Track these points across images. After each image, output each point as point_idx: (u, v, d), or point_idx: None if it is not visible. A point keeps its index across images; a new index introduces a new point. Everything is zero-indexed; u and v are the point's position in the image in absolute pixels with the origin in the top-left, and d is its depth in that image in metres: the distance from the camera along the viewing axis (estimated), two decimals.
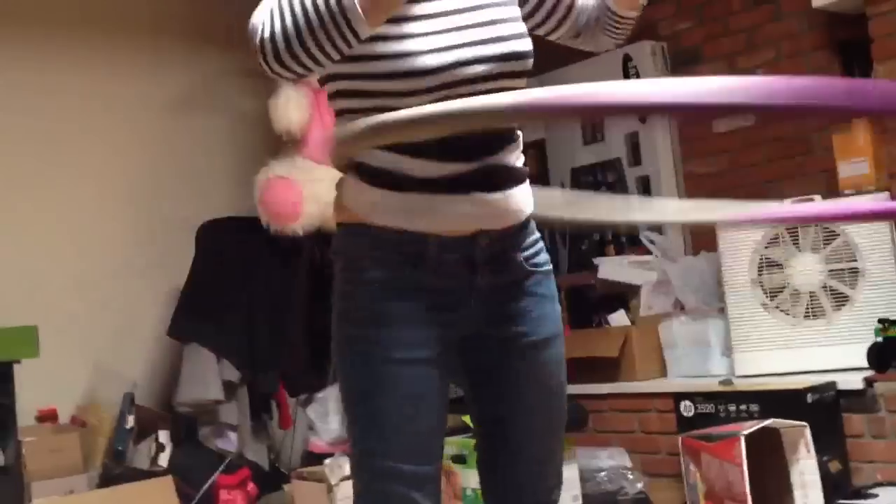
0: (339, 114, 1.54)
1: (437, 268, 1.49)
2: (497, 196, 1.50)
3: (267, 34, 1.38)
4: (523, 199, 1.56)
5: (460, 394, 1.68)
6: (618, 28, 1.67)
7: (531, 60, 1.55)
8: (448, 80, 1.45)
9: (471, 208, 1.48)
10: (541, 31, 1.67)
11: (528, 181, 1.59)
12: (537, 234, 1.62)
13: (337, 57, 1.40)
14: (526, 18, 1.61)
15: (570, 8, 1.65)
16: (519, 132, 1.59)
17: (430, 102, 1.42)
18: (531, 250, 1.59)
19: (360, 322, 1.49)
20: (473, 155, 1.48)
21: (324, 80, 1.54)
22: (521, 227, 1.57)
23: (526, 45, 1.54)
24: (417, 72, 1.44)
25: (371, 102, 1.46)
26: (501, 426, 1.60)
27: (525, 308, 1.56)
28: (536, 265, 1.59)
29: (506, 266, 1.54)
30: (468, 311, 1.52)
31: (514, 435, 1.60)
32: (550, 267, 1.62)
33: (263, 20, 1.39)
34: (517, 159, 1.57)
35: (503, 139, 1.53)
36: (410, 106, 1.41)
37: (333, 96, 1.54)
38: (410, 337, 1.47)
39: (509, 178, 1.53)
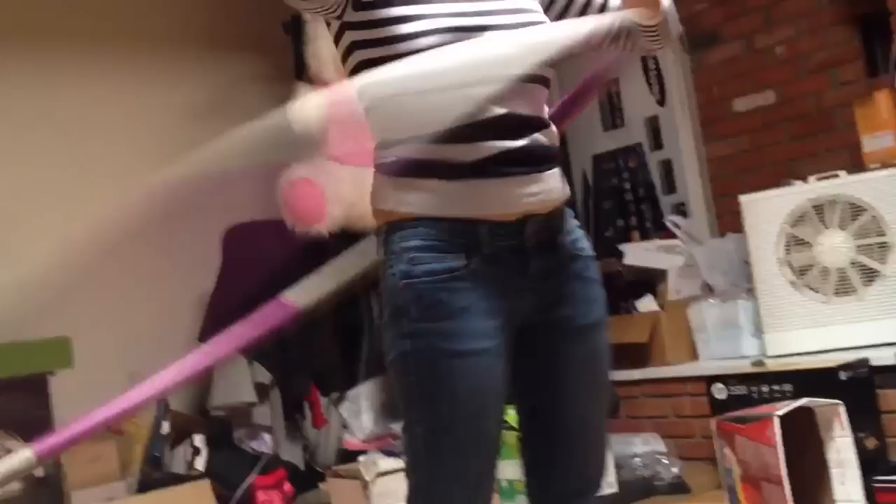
0: (357, 69, 1.53)
1: (491, 256, 1.48)
2: (541, 174, 1.51)
3: None
4: (562, 181, 1.58)
5: None
6: (646, 37, 1.64)
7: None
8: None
9: (519, 187, 1.48)
10: None
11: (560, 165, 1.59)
12: (577, 221, 1.62)
13: None
14: (545, 11, 1.62)
15: (584, 11, 1.64)
16: (545, 109, 1.59)
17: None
18: (574, 234, 1.59)
19: (419, 316, 1.46)
20: (520, 133, 1.48)
21: (352, 73, 1.54)
22: (564, 212, 1.58)
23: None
24: (441, 30, 1.44)
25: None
26: (549, 412, 1.59)
27: (574, 291, 1.56)
28: (581, 249, 1.59)
29: (554, 251, 1.55)
30: (522, 298, 1.52)
31: (562, 421, 1.58)
32: (592, 252, 1.62)
33: None
34: (554, 140, 1.58)
35: (543, 119, 1.54)
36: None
37: (356, 70, 1.53)
38: (471, 328, 1.46)
39: (550, 156, 1.54)
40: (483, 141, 1.46)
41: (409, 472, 1.54)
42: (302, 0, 1.45)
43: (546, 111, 1.58)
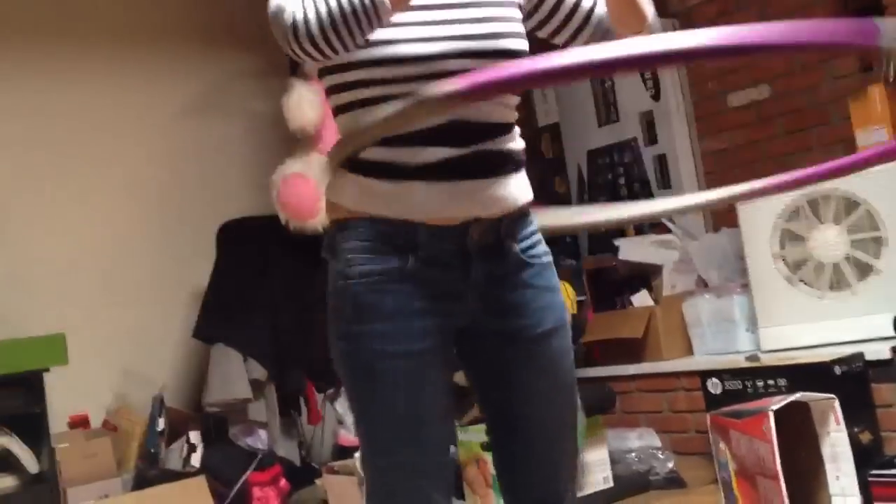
0: (335, 111, 1.55)
1: (430, 258, 1.48)
2: (490, 182, 1.50)
3: (301, 17, 1.39)
4: (518, 186, 1.55)
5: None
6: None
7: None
8: (431, 71, 1.44)
9: (463, 194, 1.47)
10: (542, 33, 1.65)
11: (524, 169, 1.58)
12: (535, 226, 1.60)
13: (361, 42, 1.42)
14: (527, 18, 1.61)
15: (573, 12, 1.62)
16: (513, 117, 1.57)
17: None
18: (528, 241, 1.57)
19: (354, 317, 1.48)
20: (467, 140, 1.47)
21: (322, 74, 1.55)
22: (517, 218, 1.55)
23: (519, 44, 1.54)
24: (402, 59, 1.44)
25: (360, 93, 1.47)
26: (509, 420, 1.59)
27: (524, 300, 1.55)
28: (534, 256, 1.57)
29: (501, 257, 1.53)
30: (464, 302, 1.52)
31: (522, 429, 1.59)
32: (550, 259, 1.60)
33: (294, 6, 1.40)
34: (514, 144, 1.56)
35: (498, 126, 1.53)
36: (392, 94, 1.43)
37: (327, 92, 1.55)
38: (405, 329, 1.47)
39: (504, 163, 1.53)
40: (428, 146, 1.45)
41: (363, 469, 1.58)
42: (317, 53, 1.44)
43: (510, 114, 1.56)
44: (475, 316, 1.53)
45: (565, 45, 1.66)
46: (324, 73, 1.53)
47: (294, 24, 1.39)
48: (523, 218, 1.57)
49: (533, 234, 1.59)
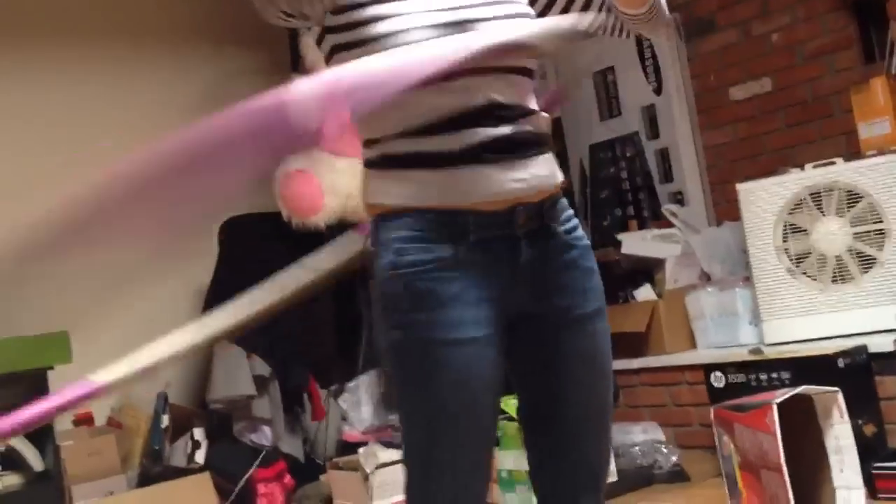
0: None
1: (480, 245, 1.47)
2: (528, 161, 1.50)
3: None
4: (554, 167, 1.56)
5: None
6: (635, 24, 1.63)
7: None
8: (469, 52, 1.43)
9: (506, 173, 1.47)
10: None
11: (552, 152, 1.58)
12: (571, 210, 1.60)
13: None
14: (542, 14, 1.61)
15: (587, 6, 1.63)
16: (534, 102, 1.57)
17: (438, 78, 1.41)
18: (569, 224, 1.57)
19: (410, 306, 1.45)
20: (500, 120, 1.47)
21: (327, 59, 1.54)
22: (556, 201, 1.55)
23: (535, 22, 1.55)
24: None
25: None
26: (550, 405, 1.57)
27: (570, 281, 1.54)
28: (577, 238, 1.57)
29: (546, 240, 1.53)
30: (514, 288, 1.50)
31: (564, 413, 1.56)
32: (588, 242, 1.60)
33: None
34: (542, 127, 1.56)
35: (524, 108, 1.53)
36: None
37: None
38: (461, 317, 1.44)
39: (536, 143, 1.53)
40: (465, 129, 1.45)
41: (406, 461, 1.54)
42: (283, 18, 1.45)
43: (533, 100, 1.57)
44: (525, 302, 1.52)
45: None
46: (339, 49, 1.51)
47: None
48: (561, 201, 1.57)
49: (571, 217, 1.59)
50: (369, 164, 1.54)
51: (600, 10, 1.65)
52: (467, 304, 1.45)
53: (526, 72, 1.54)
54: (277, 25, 1.51)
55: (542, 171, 1.52)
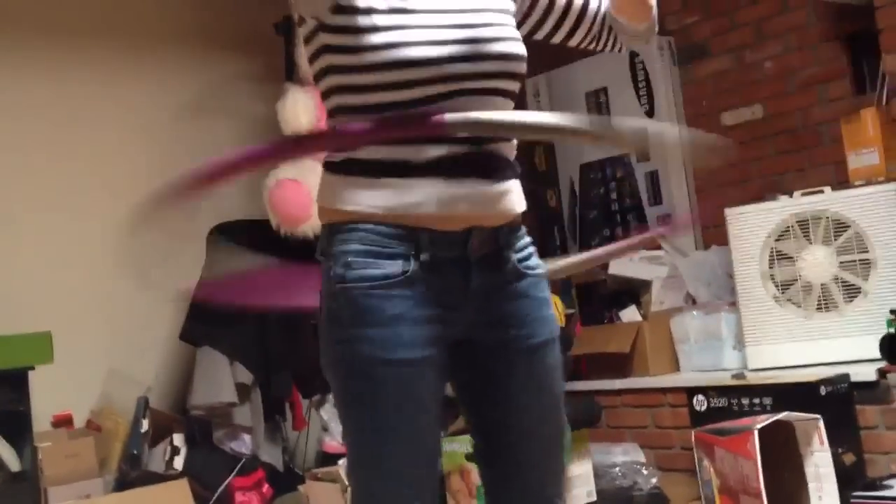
0: (333, 113, 1.52)
1: (432, 265, 1.46)
2: (491, 184, 1.49)
3: None
4: (517, 195, 1.56)
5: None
6: (627, 38, 1.66)
7: (525, 64, 1.55)
8: (442, 74, 1.44)
9: (466, 193, 1.46)
10: (556, 39, 1.67)
11: (518, 180, 1.58)
12: (529, 238, 1.60)
13: None
14: (537, 27, 1.63)
15: (582, 15, 1.64)
16: None
17: (422, 98, 1.44)
18: (524, 252, 1.57)
19: (352, 321, 1.44)
20: (468, 139, 1.47)
21: (319, 76, 1.52)
22: (514, 228, 1.55)
23: (521, 48, 1.55)
24: (412, 62, 1.43)
25: (363, 98, 1.46)
26: (501, 433, 1.57)
27: (521, 311, 1.54)
28: (529, 267, 1.56)
29: (499, 266, 1.52)
30: (462, 312, 1.50)
31: (514, 441, 1.56)
32: (543, 271, 1.60)
33: None
34: (511, 151, 1.56)
35: None
36: (402, 100, 1.43)
37: (327, 94, 1.52)
38: (401, 337, 1.43)
39: (504, 167, 1.53)
40: (433, 144, 1.44)
41: (349, 477, 1.54)
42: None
43: None
44: (470, 326, 1.52)
45: (563, 44, 1.69)
46: (329, 71, 1.50)
47: None
48: (519, 229, 1.57)
49: (527, 245, 1.58)
50: (330, 166, 1.53)
51: (594, 21, 1.66)
52: (409, 323, 1.44)
53: (507, 94, 1.54)
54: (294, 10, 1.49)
55: (504, 196, 1.52)
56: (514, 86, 1.55)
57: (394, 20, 1.45)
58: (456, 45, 1.46)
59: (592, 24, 1.65)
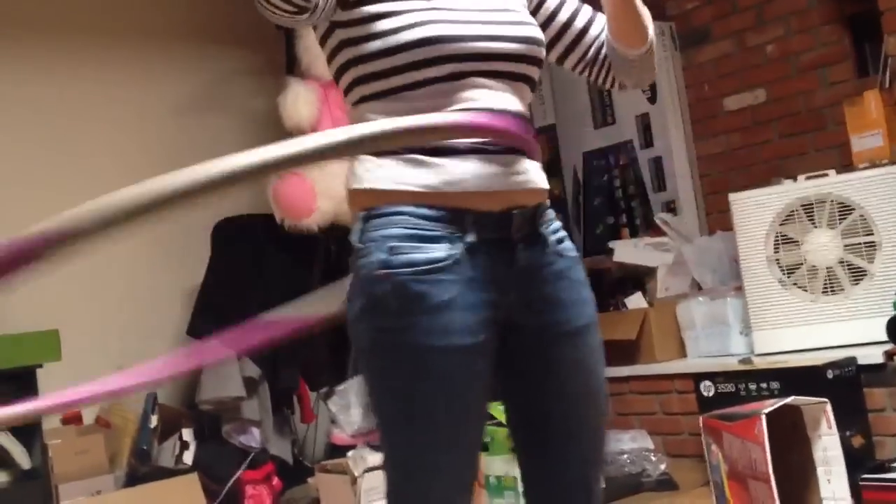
0: (358, 102, 1.50)
1: (476, 247, 1.42)
2: (525, 160, 1.49)
3: None
4: (542, 173, 1.55)
5: None
6: (623, 68, 1.63)
7: (545, 53, 1.56)
8: (466, 52, 1.43)
9: (503, 167, 1.45)
10: (550, 57, 1.65)
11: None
12: (559, 222, 1.58)
13: None
14: None
15: (580, 38, 1.62)
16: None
17: (448, 74, 1.43)
18: (559, 234, 1.55)
19: (399, 309, 1.38)
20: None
21: (339, 72, 1.51)
22: (545, 209, 1.54)
23: (542, 35, 1.55)
24: (434, 39, 1.41)
25: (388, 83, 1.44)
26: (544, 420, 1.53)
27: (563, 293, 1.51)
28: (566, 249, 1.55)
29: (541, 247, 1.50)
30: (508, 294, 1.46)
31: (560, 428, 1.52)
32: (577, 254, 1.57)
33: None
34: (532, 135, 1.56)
35: (525, 117, 1.53)
36: (429, 77, 1.42)
37: (351, 86, 1.49)
38: (452, 323, 1.38)
39: (531, 147, 1.51)
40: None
41: (387, 468, 1.49)
42: (290, 16, 1.40)
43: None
44: (514, 310, 1.47)
45: (573, 70, 1.67)
46: (352, 63, 1.47)
47: None
48: (549, 211, 1.56)
49: (560, 228, 1.57)
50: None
51: (590, 47, 1.64)
52: (460, 309, 1.40)
53: (530, 81, 1.55)
54: (280, 24, 1.46)
55: (532, 173, 1.51)
56: (536, 73, 1.54)
57: (399, 5, 1.44)
58: (480, 25, 1.45)
59: (588, 49, 1.63)
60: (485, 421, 1.51)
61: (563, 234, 1.57)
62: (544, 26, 1.60)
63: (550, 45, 1.63)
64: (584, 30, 1.62)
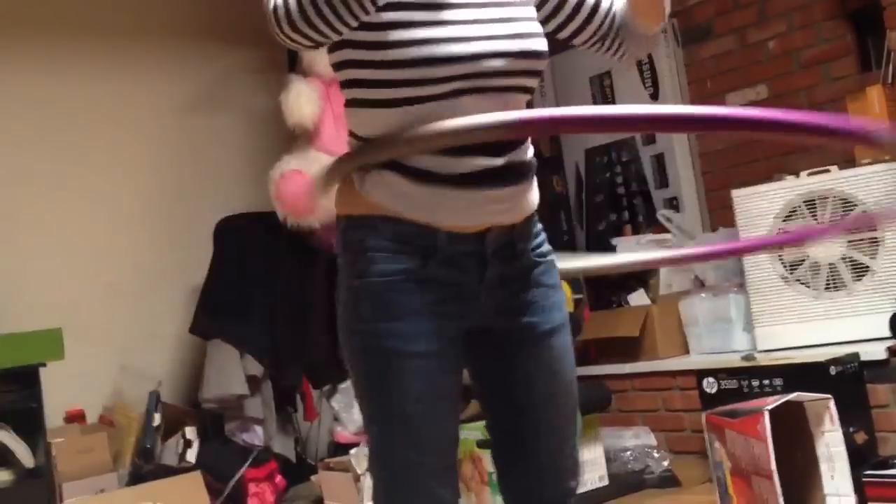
0: (351, 104, 1.52)
1: (448, 261, 1.49)
2: (514, 190, 1.51)
3: (281, 2, 1.38)
4: (534, 191, 1.58)
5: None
6: (635, 42, 1.65)
7: (546, 61, 1.56)
8: (468, 72, 1.44)
9: (490, 202, 1.48)
10: (562, 35, 1.66)
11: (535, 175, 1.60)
12: (540, 225, 1.62)
13: (352, 23, 1.39)
14: (546, 21, 1.61)
15: (593, 14, 1.62)
16: None
17: (445, 93, 1.44)
18: (536, 240, 1.59)
19: (369, 315, 1.48)
20: (502, 150, 1.48)
21: (338, 66, 1.52)
22: (528, 219, 1.57)
23: (543, 45, 1.55)
24: (440, 59, 1.42)
25: (386, 93, 1.45)
26: (516, 418, 1.60)
27: (534, 298, 1.56)
28: (542, 255, 1.59)
29: (514, 257, 1.55)
30: (477, 303, 1.52)
31: (529, 426, 1.59)
32: (553, 257, 1.62)
33: None
34: (531, 153, 1.59)
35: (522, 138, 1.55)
36: (425, 95, 1.43)
37: (348, 84, 1.51)
38: (422, 329, 1.47)
39: (527, 171, 1.55)
40: (467, 156, 1.45)
41: (370, 465, 1.56)
42: (311, 36, 1.41)
43: None
44: (485, 316, 1.54)
45: (584, 45, 1.68)
46: (350, 65, 1.48)
47: (275, 9, 1.39)
48: (532, 218, 1.59)
49: (539, 232, 1.61)
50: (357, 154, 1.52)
51: (603, 20, 1.63)
52: (427, 316, 1.47)
53: (528, 90, 1.55)
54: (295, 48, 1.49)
55: (523, 199, 1.54)
56: (534, 83, 1.56)
57: (421, 16, 1.44)
58: (483, 42, 1.46)
59: (602, 24, 1.63)
60: (457, 419, 1.57)
61: (540, 238, 1.61)
62: (557, 9, 1.61)
63: (563, 26, 1.63)
64: (596, 6, 1.62)
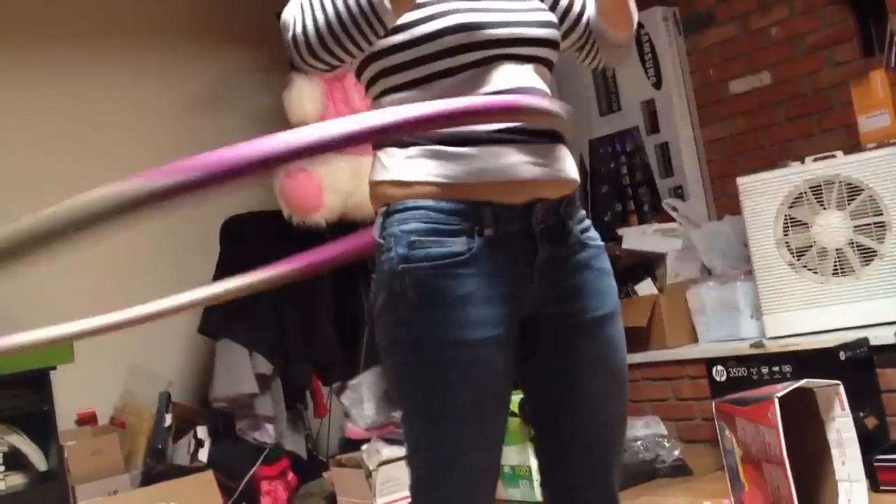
0: (381, 95, 1.49)
1: (495, 240, 1.42)
2: (555, 147, 1.49)
3: (299, 29, 1.38)
4: (572, 163, 1.54)
5: None
6: (608, 50, 1.65)
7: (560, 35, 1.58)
8: (490, 38, 1.44)
9: (530, 159, 1.44)
10: None
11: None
12: (584, 211, 1.58)
13: (367, 47, 1.40)
14: None
15: (577, 21, 1.63)
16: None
17: (470, 62, 1.43)
18: (584, 224, 1.55)
19: (418, 303, 1.39)
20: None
21: (361, 66, 1.50)
22: (572, 200, 1.53)
23: (554, 17, 1.57)
24: (460, 27, 1.42)
25: (416, 73, 1.44)
26: (560, 409, 1.53)
27: (586, 283, 1.51)
28: (591, 238, 1.54)
29: (564, 239, 1.49)
30: (529, 286, 1.46)
31: (581, 417, 1.52)
32: (602, 243, 1.57)
33: (294, 15, 1.40)
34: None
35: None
36: (450, 67, 1.42)
37: (375, 78, 1.49)
38: (472, 317, 1.39)
39: (558, 135, 1.52)
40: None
41: (410, 462, 1.49)
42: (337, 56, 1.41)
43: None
44: (537, 301, 1.47)
45: (564, 51, 1.67)
46: (378, 56, 1.47)
47: (293, 38, 1.39)
48: (577, 200, 1.55)
49: (585, 217, 1.56)
50: (385, 144, 1.48)
51: (584, 30, 1.65)
52: (480, 302, 1.40)
53: (549, 63, 1.55)
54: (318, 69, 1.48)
55: (563, 164, 1.50)
56: (555, 56, 1.55)
57: (428, 10, 1.44)
58: (502, 13, 1.47)
59: (583, 33, 1.64)
60: (506, 414, 1.51)
61: (587, 223, 1.56)
62: (563, 16, 1.62)
63: (567, 33, 1.65)
64: (580, 14, 1.64)
